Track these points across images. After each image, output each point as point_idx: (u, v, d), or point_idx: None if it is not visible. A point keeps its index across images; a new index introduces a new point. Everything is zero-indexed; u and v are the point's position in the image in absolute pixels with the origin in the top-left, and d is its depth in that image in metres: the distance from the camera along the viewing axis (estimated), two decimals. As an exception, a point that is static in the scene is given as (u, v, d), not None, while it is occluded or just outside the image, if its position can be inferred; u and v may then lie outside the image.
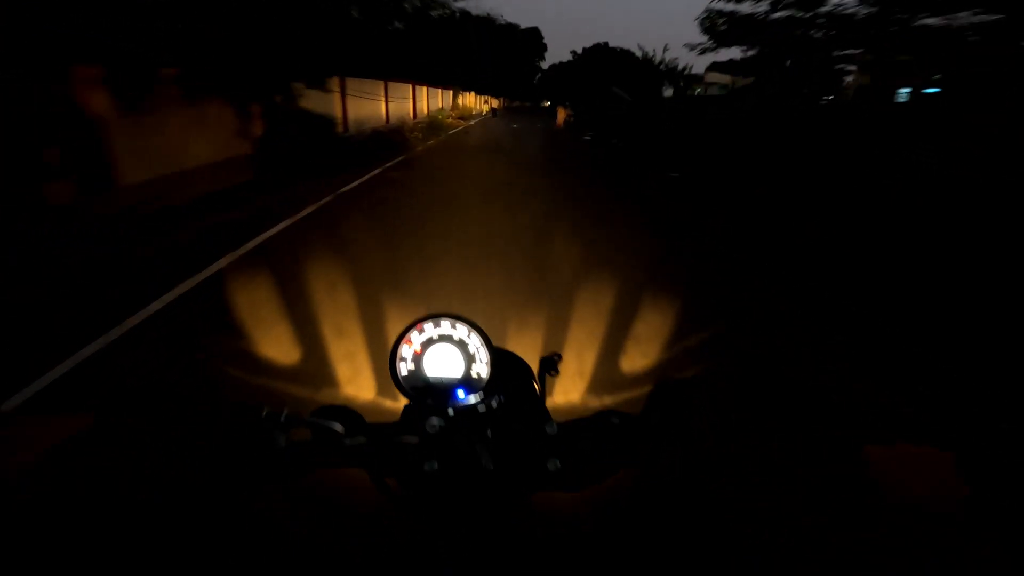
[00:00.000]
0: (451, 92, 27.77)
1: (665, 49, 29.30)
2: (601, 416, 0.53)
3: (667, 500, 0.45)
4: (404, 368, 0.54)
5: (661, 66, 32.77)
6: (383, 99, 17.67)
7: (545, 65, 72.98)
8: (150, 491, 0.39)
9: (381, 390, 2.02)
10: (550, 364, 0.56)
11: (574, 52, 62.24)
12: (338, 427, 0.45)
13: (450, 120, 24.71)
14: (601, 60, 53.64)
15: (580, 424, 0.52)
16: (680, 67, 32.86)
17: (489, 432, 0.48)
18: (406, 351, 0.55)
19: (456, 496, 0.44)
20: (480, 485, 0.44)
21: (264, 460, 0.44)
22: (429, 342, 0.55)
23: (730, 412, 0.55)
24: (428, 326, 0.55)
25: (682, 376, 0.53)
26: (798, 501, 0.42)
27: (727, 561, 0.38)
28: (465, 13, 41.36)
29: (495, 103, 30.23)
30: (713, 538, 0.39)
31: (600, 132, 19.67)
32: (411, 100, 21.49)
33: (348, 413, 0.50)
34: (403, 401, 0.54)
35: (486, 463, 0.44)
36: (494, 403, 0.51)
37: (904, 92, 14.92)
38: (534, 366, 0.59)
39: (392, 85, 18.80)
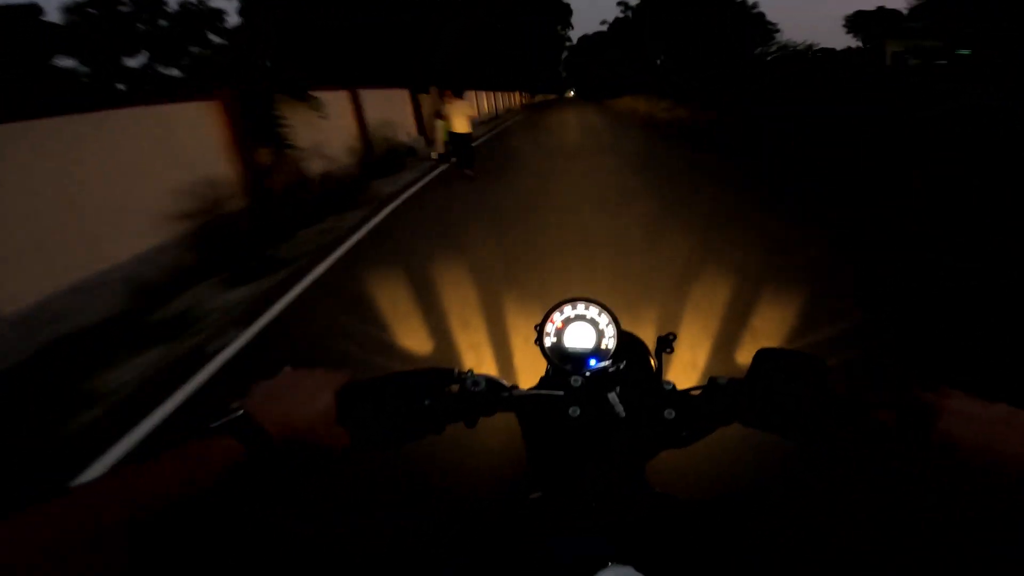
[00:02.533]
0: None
1: None
2: (711, 380, 0.59)
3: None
4: (549, 341, 0.67)
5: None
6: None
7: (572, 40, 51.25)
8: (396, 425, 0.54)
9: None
10: (666, 342, 0.71)
11: (623, 3, 40.17)
12: (506, 382, 0.60)
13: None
14: (678, 10, 31.74)
15: (692, 389, 0.60)
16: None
17: (617, 388, 0.58)
18: (550, 328, 0.68)
19: (594, 434, 0.55)
20: (613, 427, 0.55)
21: (460, 404, 0.57)
22: (568, 320, 0.68)
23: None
24: (567, 308, 0.68)
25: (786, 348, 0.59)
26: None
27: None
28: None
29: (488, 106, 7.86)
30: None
31: None
32: None
33: (499, 380, 0.61)
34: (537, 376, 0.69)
35: (618, 410, 0.55)
36: (620, 367, 0.63)
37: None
38: (652, 345, 0.73)
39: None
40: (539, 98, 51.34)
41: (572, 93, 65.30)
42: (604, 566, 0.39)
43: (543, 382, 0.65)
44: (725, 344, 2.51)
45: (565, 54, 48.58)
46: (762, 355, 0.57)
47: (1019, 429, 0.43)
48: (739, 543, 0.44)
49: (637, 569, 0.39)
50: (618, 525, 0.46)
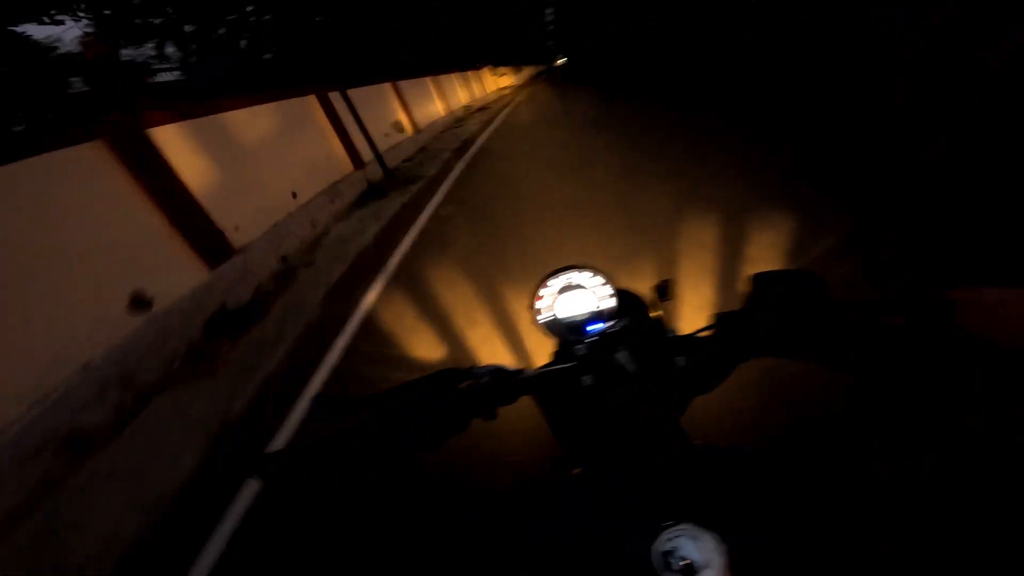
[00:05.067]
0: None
1: None
2: (716, 317, 0.58)
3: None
4: (544, 317, 0.67)
5: None
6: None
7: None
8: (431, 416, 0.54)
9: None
10: (663, 290, 0.70)
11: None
12: (514, 366, 0.58)
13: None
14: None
15: (700, 331, 0.59)
16: None
17: (625, 347, 0.57)
18: (542, 303, 0.68)
19: (613, 398, 0.53)
20: (629, 387, 0.53)
21: (471, 400, 0.55)
22: (559, 292, 0.68)
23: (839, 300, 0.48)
24: (553, 280, 0.68)
25: (777, 269, 0.55)
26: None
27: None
28: None
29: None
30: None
31: None
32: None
33: (505, 368, 0.59)
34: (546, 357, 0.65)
35: (630, 368, 0.54)
36: (623, 325, 0.61)
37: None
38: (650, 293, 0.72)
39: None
40: (527, 71, 41.58)
41: (564, 59, 54.08)
42: (660, 529, 0.39)
43: (555, 357, 0.64)
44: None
45: (551, 10, 38.22)
46: (757, 280, 0.57)
47: None
48: (783, 488, 0.45)
49: (694, 524, 0.39)
50: (664, 485, 0.45)
